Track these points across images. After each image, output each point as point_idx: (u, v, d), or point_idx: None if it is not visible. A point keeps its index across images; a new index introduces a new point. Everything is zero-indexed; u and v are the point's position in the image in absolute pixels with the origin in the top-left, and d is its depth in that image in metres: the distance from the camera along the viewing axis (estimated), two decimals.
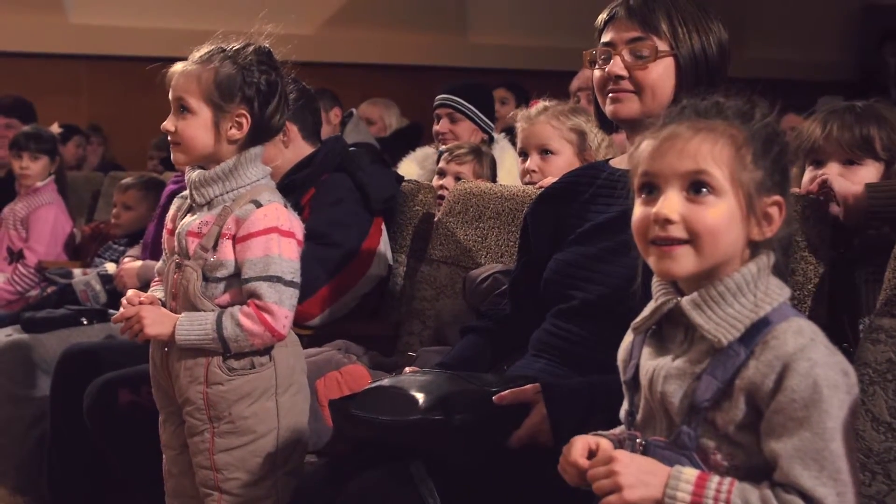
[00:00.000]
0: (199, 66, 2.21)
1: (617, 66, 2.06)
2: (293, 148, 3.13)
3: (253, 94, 2.21)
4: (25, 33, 7.25)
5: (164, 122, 2.23)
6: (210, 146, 2.21)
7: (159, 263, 2.38)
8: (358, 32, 8.22)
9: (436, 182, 3.54)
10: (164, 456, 2.37)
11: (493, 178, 3.65)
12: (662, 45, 2.04)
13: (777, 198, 1.47)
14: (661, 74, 2.05)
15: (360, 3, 8.30)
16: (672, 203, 1.45)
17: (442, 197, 3.37)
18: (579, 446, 1.51)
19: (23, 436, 3.50)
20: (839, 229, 2.18)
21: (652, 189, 1.48)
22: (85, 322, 3.61)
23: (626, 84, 2.06)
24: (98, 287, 3.73)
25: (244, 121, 2.21)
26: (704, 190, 1.44)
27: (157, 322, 2.19)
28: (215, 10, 6.89)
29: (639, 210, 1.49)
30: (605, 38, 2.10)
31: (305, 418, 2.30)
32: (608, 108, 2.11)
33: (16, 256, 4.42)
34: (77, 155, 6.52)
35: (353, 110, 5.56)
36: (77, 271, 3.99)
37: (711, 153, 1.44)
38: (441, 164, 3.60)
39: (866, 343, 1.95)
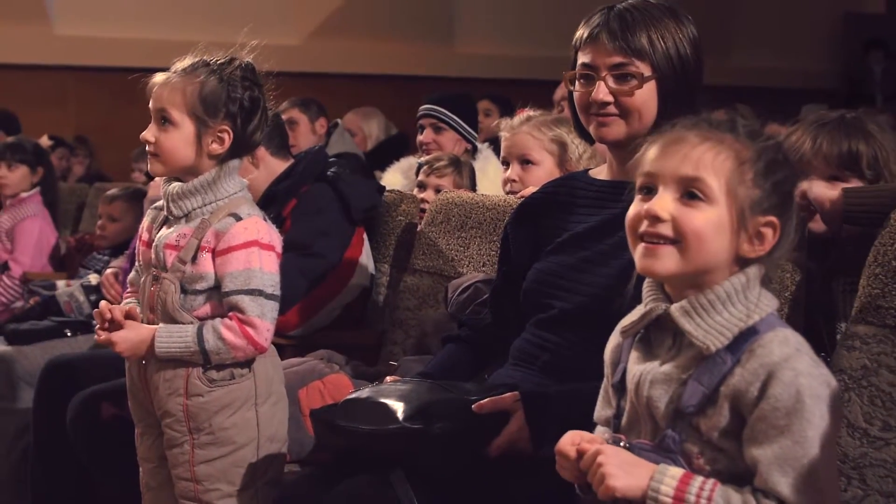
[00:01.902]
0: (183, 77, 2.20)
1: (602, 92, 2.05)
2: (264, 167, 3.14)
3: (236, 110, 2.20)
4: (11, 45, 7.25)
5: (144, 133, 2.22)
6: (190, 159, 2.20)
7: (132, 274, 2.37)
8: (345, 42, 8.25)
9: (416, 194, 3.55)
10: (140, 469, 2.35)
11: (473, 188, 3.66)
12: (646, 70, 2.04)
13: (772, 219, 1.48)
14: (647, 98, 2.05)
15: (347, 14, 8.32)
16: (664, 202, 1.47)
17: (424, 210, 3.38)
18: (567, 438, 1.53)
19: (6, 448, 3.50)
20: (816, 242, 2.20)
21: (651, 190, 1.50)
22: (69, 334, 3.61)
23: (611, 108, 2.06)
24: (82, 298, 3.73)
25: (226, 136, 2.20)
26: (697, 196, 1.46)
27: (133, 348, 2.18)
28: (202, 21, 6.90)
29: (634, 207, 1.52)
30: (585, 58, 2.08)
31: (285, 428, 2.30)
32: (594, 131, 2.10)
33: (1, 268, 4.43)
34: (60, 167, 6.51)
35: (339, 121, 5.58)
36: (61, 283, 3.99)
37: (712, 163, 1.47)
38: (421, 177, 3.61)
39: (842, 350, 1.97)
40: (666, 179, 1.48)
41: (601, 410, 1.65)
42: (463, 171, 3.61)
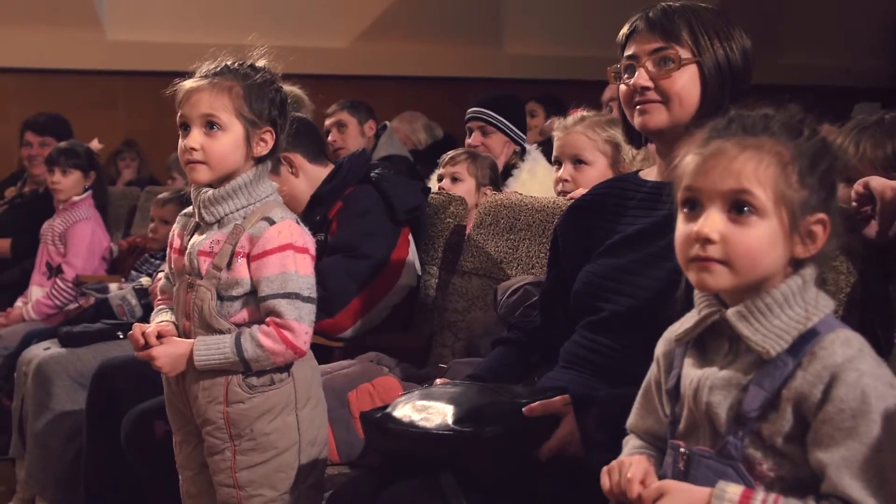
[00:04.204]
0: (219, 81, 2.18)
1: (642, 77, 2.06)
2: (304, 175, 3.16)
3: (277, 112, 2.21)
4: (63, 50, 7.34)
5: (187, 141, 2.17)
6: (240, 162, 2.19)
7: (163, 282, 2.36)
8: (392, 45, 8.25)
9: (436, 187, 3.65)
10: (180, 477, 2.35)
11: (495, 182, 3.71)
12: (685, 53, 2.04)
13: (821, 216, 1.46)
14: (687, 82, 2.04)
15: (395, 16, 8.33)
16: (714, 222, 1.44)
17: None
18: (640, 473, 1.50)
19: (61, 449, 3.54)
20: (873, 247, 2.16)
21: (695, 204, 1.48)
22: (121, 336, 3.63)
23: (652, 95, 2.06)
24: (134, 301, 3.76)
25: (269, 137, 2.21)
26: (747, 209, 1.43)
27: (173, 364, 2.19)
28: (251, 25, 6.90)
29: (681, 227, 1.49)
30: (628, 51, 2.10)
31: (325, 431, 2.30)
32: (636, 121, 2.10)
33: (54, 271, 4.48)
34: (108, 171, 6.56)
35: (387, 123, 5.58)
36: (113, 286, 4.03)
37: (756, 172, 1.43)
38: (440, 170, 3.73)
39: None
40: (711, 195, 1.45)
41: (641, 419, 1.63)
42: (479, 161, 3.69)
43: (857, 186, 2.20)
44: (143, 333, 2.20)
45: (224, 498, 2.24)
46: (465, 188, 3.62)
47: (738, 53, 2.07)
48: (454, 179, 3.64)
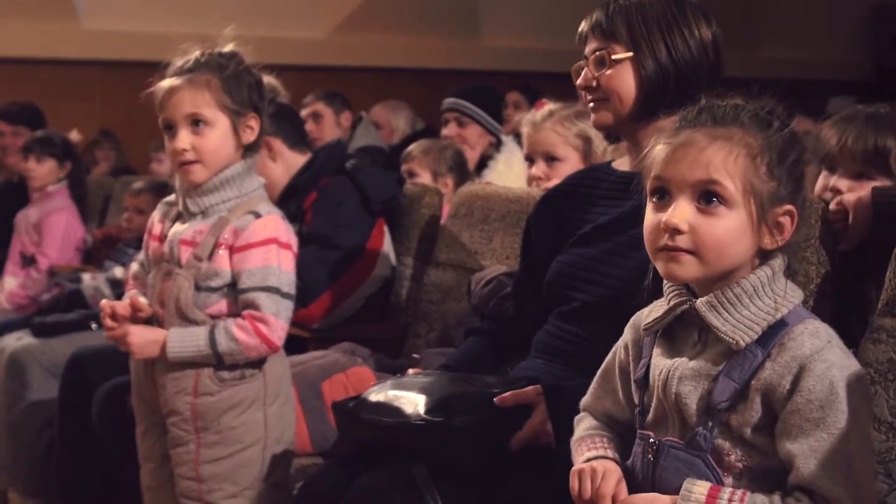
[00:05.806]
0: (196, 77, 2.16)
1: (583, 78, 2.11)
2: (282, 161, 3.15)
3: (257, 97, 2.21)
4: (39, 39, 7.28)
5: (176, 143, 2.16)
6: (232, 154, 2.19)
7: (136, 268, 2.35)
8: (370, 36, 8.23)
9: None
10: (141, 469, 2.34)
11: (458, 169, 3.71)
12: (620, 51, 2.06)
13: (789, 207, 1.47)
14: (624, 78, 2.06)
15: (373, 7, 8.31)
16: (682, 212, 1.45)
17: None
18: (611, 486, 1.51)
19: (33, 439, 3.52)
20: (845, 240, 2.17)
21: (664, 194, 1.48)
22: (94, 326, 3.62)
23: (595, 94, 2.10)
24: (107, 291, 3.74)
25: (255, 123, 2.20)
26: (715, 200, 1.44)
27: (144, 346, 2.17)
28: (228, 15, 6.90)
29: (650, 216, 1.50)
30: (584, 52, 2.14)
31: (292, 430, 2.29)
32: (591, 119, 2.15)
33: (28, 261, 4.46)
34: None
35: (363, 114, 5.58)
36: (86, 276, 4.01)
37: (725, 163, 1.44)
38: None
39: (867, 343, 1.94)
40: (680, 185, 1.46)
41: (597, 399, 1.65)
42: (433, 154, 3.71)
43: (833, 205, 2.20)
44: (111, 306, 2.17)
45: (184, 491, 2.22)
46: (423, 182, 3.62)
47: (687, 46, 2.06)
48: (411, 174, 3.65)
